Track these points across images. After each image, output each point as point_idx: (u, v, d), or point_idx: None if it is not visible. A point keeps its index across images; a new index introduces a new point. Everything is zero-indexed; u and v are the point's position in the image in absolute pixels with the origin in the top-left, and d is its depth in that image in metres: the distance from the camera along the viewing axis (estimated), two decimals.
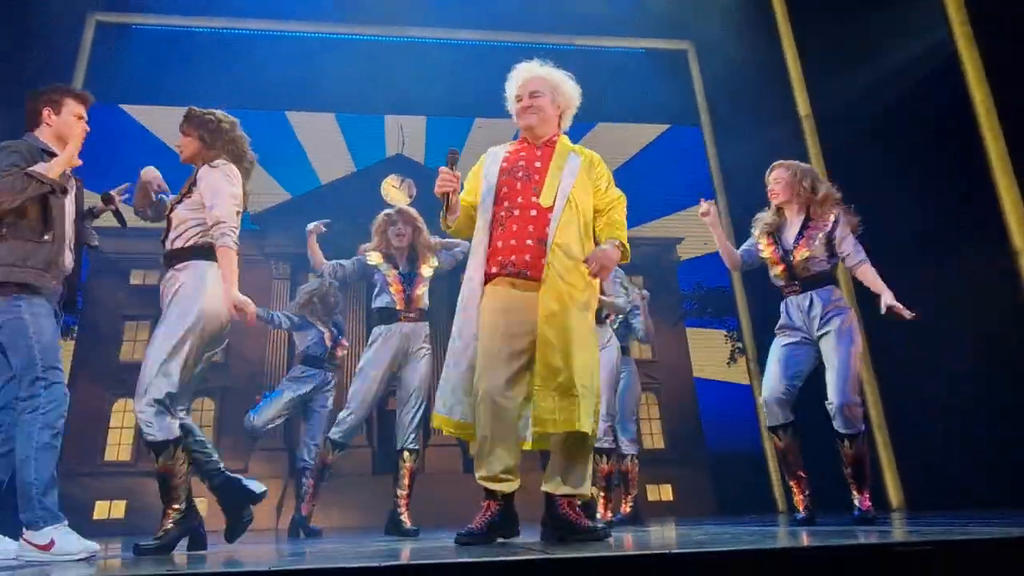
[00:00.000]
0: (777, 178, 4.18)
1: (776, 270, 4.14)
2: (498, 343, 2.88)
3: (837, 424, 3.85)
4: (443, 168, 3.00)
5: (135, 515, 7.76)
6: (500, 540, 2.85)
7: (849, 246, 4.02)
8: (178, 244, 3.35)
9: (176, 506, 3.21)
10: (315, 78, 8.84)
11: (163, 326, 3.20)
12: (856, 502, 3.86)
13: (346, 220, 9.16)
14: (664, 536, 3.33)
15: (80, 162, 3.26)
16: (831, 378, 3.84)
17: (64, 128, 3.35)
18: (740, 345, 9.05)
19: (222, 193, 3.29)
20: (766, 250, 4.15)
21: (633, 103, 9.53)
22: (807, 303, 3.99)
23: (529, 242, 2.96)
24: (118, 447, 8.41)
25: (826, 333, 3.91)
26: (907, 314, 3.75)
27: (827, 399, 3.87)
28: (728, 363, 9.16)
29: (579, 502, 2.89)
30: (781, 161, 4.26)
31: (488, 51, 9.48)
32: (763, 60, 8.18)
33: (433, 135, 9.82)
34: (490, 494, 2.87)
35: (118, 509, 7.87)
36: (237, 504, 3.46)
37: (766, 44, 8.15)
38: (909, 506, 6.41)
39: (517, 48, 9.58)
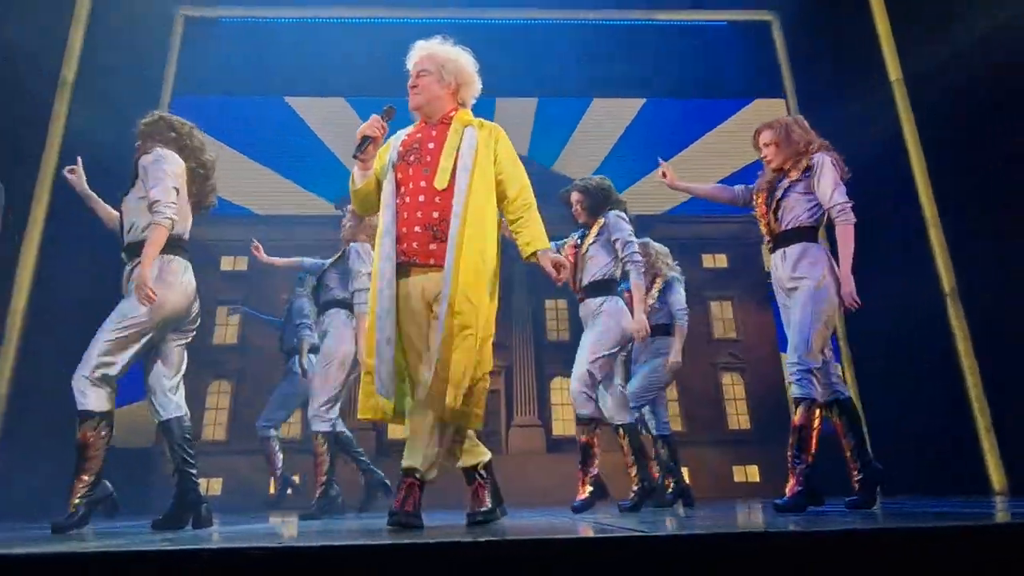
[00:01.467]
0: (767, 141, 3.88)
1: (761, 226, 3.92)
2: (403, 327, 2.91)
3: (793, 389, 3.59)
4: (375, 115, 3.01)
5: (231, 493, 8.10)
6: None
7: (826, 189, 3.62)
8: (130, 238, 3.52)
9: (85, 477, 3.30)
10: (397, 62, 8.91)
11: (116, 311, 3.37)
12: (789, 488, 3.49)
13: None
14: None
15: None
16: (789, 338, 3.59)
17: None
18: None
19: (156, 175, 3.45)
20: (758, 208, 3.91)
21: (715, 77, 9.29)
22: (780, 260, 3.73)
23: (418, 229, 2.91)
24: (213, 427, 8.76)
25: (795, 291, 3.63)
26: (849, 305, 3.50)
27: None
28: None
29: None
30: (765, 123, 3.95)
31: (566, 29, 9.39)
32: (849, 25, 7.87)
33: (501, 118, 9.81)
34: (408, 471, 2.88)
35: (215, 487, 8.20)
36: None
37: (852, 7, 7.84)
38: (1013, 491, 6.14)
39: (595, 25, 9.45)
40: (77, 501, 3.28)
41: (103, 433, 3.33)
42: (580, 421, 4.49)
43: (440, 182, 2.91)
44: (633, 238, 4.63)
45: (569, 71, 9.16)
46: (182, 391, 3.65)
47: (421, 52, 3.13)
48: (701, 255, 9.88)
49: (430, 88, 3.07)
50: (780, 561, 1.77)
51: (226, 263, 9.36)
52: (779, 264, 3.72)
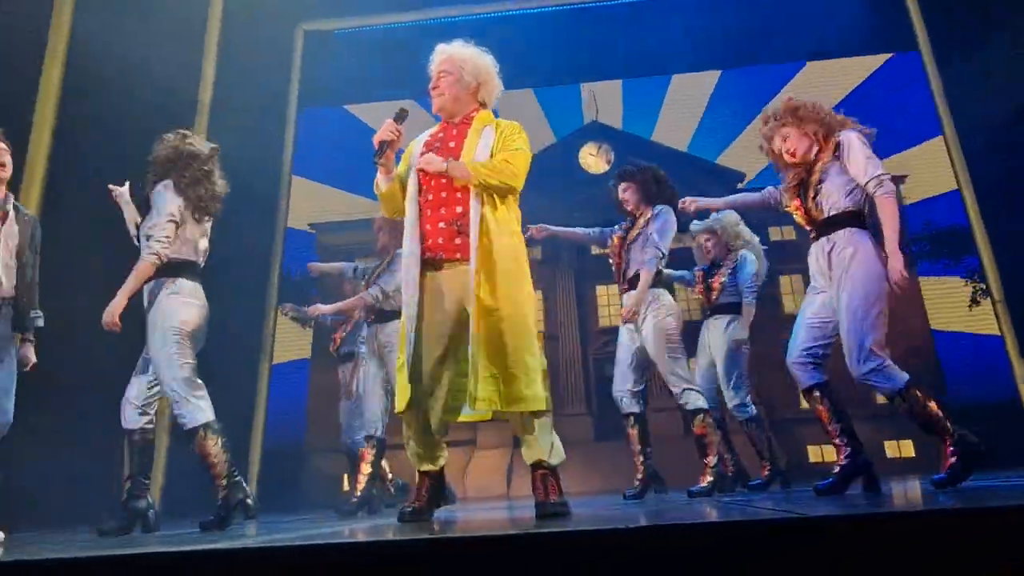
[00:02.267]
0: (785, 136, 3.56)
1: (800, 219, 3.62)
2: (425, 327, 2.93)
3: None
4: (389, 119, 3.03)
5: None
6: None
7: (859, 166, 3.32)
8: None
9: (222, 482, 3.55)
10: (510, 55, 8.97)
11: (168, 336, 3.59)
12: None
13: (547, 195, 9.34)
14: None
15: None
16: (840, 328, 3.34)
17: None
18: (983, 286, 8.22)
19: (155, 214, 3.70)
20: (792, 201, 3.63)
21: (843, 35, 8.84)
22: (826, 248, 3.42)
23: (442, 225, 2.95)
24: None
25: (838, 283, 3.34)
26: (897, 282, 3.17)
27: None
28: (970, 306, 8.35)
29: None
30: (776, 120, 3.60)
31: (679, 3, 9.18)
32: None
33: (629, 98, 9.68)
34: (423, 472, 2.99)
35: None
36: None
37: None
38: None
39: None
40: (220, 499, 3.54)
41: (218, 440, 3.57)
42: (692, 413, 4.52)
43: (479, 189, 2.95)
44: (666, 238, 4.56)
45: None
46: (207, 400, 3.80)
47: (441, 55, 3.17)
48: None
49: (451, 89, 3.12)
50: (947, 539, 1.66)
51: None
52: (820, 253, 3.46)
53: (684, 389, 4.53)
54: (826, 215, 3.42)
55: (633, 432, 4.69)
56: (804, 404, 3.39)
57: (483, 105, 3.19)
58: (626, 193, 4.74)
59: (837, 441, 3.43)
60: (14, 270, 3.72)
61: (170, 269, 3.67)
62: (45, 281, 3.99)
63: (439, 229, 2.96)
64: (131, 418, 3.72)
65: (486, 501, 6.23)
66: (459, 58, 3.13)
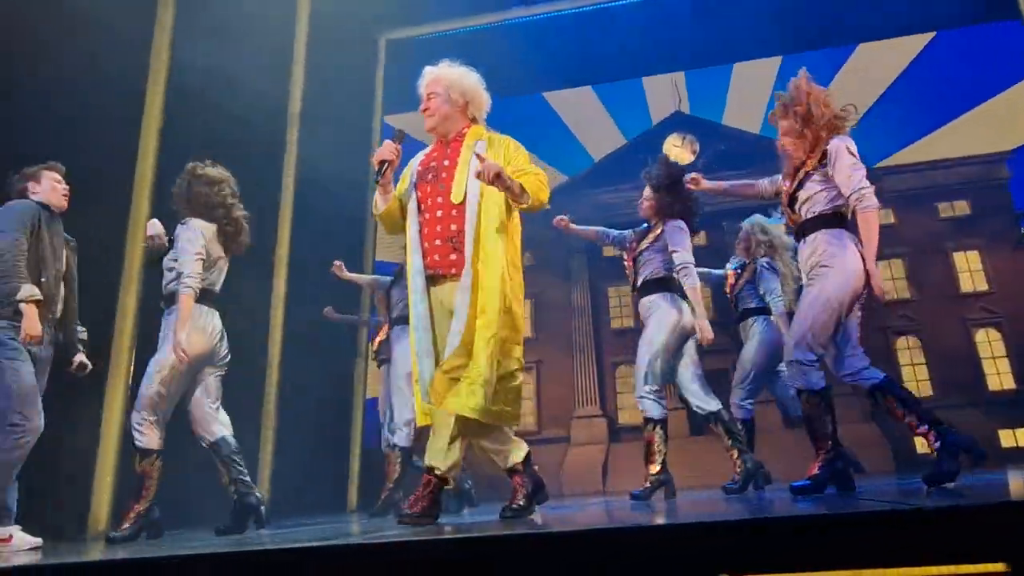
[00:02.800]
0: (786, 130, 3.50)
1: (789, 219, 3.61)
2: (429, 335, 3.05)
3: (795, 381, 3.41)
4: (387, 140, 3.16)
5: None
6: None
7: (843, 177, 3.30)
8: (168, 288, 4.05)
9: (141, 505, 3.90)
10: (574, 53, 8.97)
11: (154, 362, 3.94)
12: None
13: (624, 193, 9.29)
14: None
15: None
16: (792, 330, 3.41)
17: (48, 194, 3.94)
18: None
19: (183, 247, 3.99)
20: (783, 199, 3.63)
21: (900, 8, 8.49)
22: (804, 246, 3.44)
23: (438, 242, 3.07)
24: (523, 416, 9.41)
25: (813, 281, 3.37)
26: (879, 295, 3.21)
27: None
28: None
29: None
30: (781, 107, 3.52)
31: None
32: None
33: (694, 88, 9.54)
34: (429, 470, 3.00)
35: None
36: None
37: None
38: None
39: None
40: (128, 524, 3.83)
41: (159, 465, 3.92)
42: (646, 420, 4.57)
43: (456, 196, 3.07)
44: (687, 251, 4.57)
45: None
46: (223, 413, 4.14)
47: (428, 76, 3.27)
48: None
49: (440, 109, 3.21)
50: None
51: None
52: (800, 253, 3.49)
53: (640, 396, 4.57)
54: (804, 218, 3.45)
55: (718, 430, 4.67)
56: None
57: (473, 120, 3.30)
58: (645, 201, 4.83)
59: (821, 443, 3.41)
60: (62, 296, 3.95)
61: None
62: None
63: (435, 246, 3.07)
64: (217, 432, 4.06)
65: (582, 497, 6.22)
66: (446, 79, 3.25)
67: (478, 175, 2.93)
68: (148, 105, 6.06)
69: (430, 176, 3.17)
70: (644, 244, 4.74)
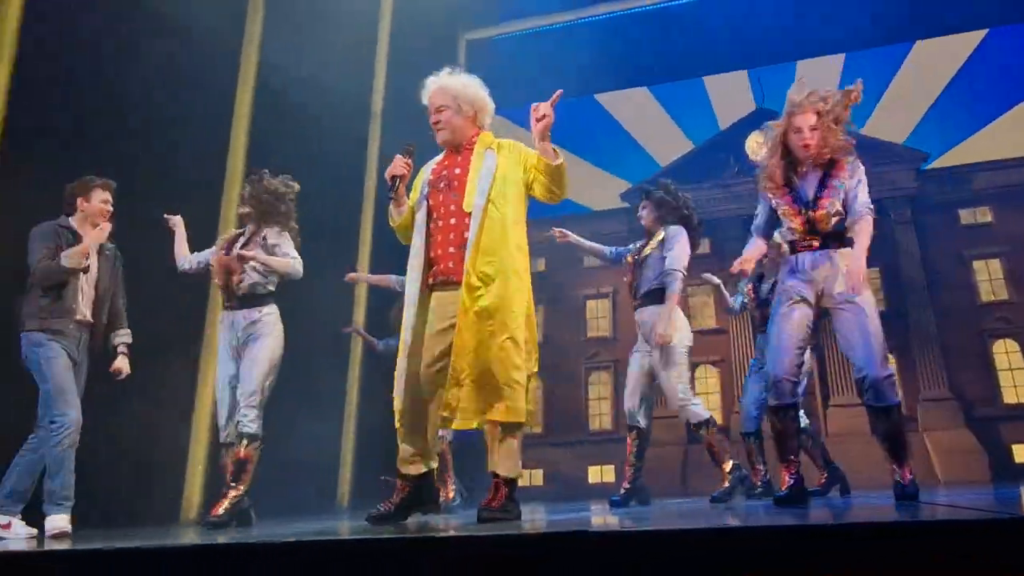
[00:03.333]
0: (812, 125, 3.41)
1: (794, 222, 3.46)
2: (422, 341, 3.08)
3: (869, 397, 3.34)
4: (398, 155, 3.20)
5: (552, 482, 8.53)
6: (420, 514, 3.15)
7: (863, 195, 3.40)
8: (243, 290, 4.24)
9: (241, 487, 4.06)
10: (676, 45, 8.88)
11: (264, 357, 4.15)
12: (897, 476, 3.30)
13: (720, 186, 9.16)
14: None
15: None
16: (857, 350, 3.33)
17: (93, 213, 4.08)
18: None
19: (283, 251, 4.30)
20: (781, 198, 3.50)
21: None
22: (825, 262, 3.39)
23: (452, 249, 3.09)
24: (599, 417, 9.37)
25: (841, 301, 3.35)
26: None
27: (856, 370, 3.37)
28: None
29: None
30: (794, 106, 3.47)
31: None
32: None
33: (759, 87, 9.36)
34: (401, 476, 3.08)
35: (536, 478, 8.68)
36: None
37: None
38: None
39: None
40: (224, 510, 3.94)
41: (259, 451, 4.12)
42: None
43: (468, 205, 3.10)
44: (682, 259, 4.64)
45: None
46: None
47: (434, 88, 3.26)
48: (959, 211, 8.82)
49: (451, 122, 3.22)
50: None
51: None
52: (817, 263, 3.40)
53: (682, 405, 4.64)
54: (831, 228, 3.40)
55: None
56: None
57: (481, 128, 3.31)
58: (643, 211, 4.92)
59: (793, 457, 3.45)
60: (92, 299, 4.07)
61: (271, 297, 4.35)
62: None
63: (449, 253, 3.11)
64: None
65: (662, 499, 6.15)
66: (453, 90, 3.25)
67: (536, 114, 3.01)
68: (237, 104, 6.27)
69: (443, 185, 3.21)
70: (647, 251, 4.78)
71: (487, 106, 3.33)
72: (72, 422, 3.80)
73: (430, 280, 3.14)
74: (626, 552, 1.75)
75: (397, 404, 3.08)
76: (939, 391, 8.27)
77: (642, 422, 4.76)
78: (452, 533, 2.14)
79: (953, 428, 8.00)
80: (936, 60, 8.92)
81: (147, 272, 4.59)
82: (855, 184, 3.41)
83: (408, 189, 3.33)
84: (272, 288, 4.31)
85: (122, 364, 4.13)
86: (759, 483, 4.89)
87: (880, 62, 9.04)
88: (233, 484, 4.02)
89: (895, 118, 8.80)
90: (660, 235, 4.75)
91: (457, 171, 3.21)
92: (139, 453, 5.08)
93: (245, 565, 2.00)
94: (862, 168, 3.46)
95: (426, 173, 3.31)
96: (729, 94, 9.53)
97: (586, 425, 9.42)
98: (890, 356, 7.87)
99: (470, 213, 3.08)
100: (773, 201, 3.54)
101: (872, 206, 3.39)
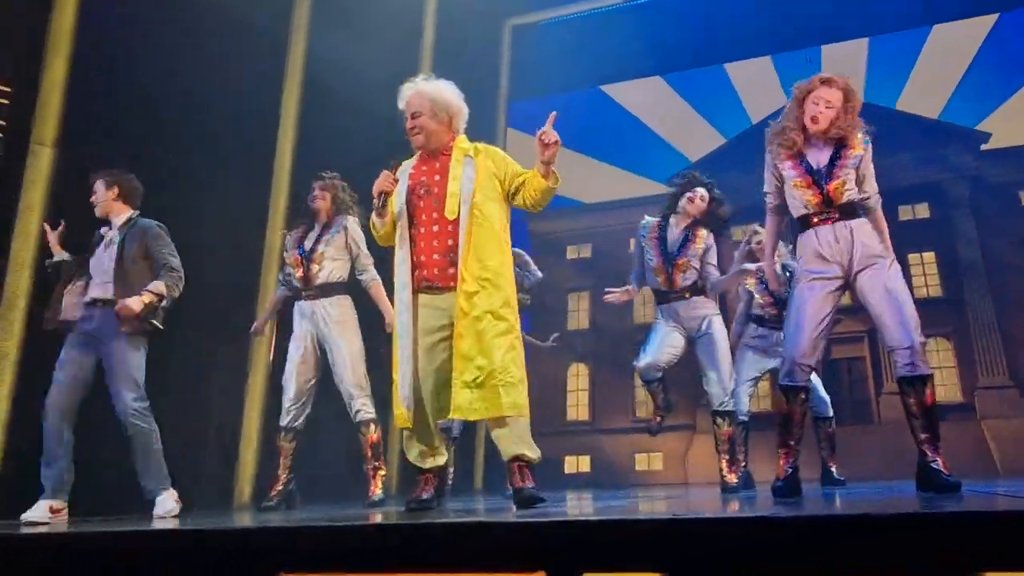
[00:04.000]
0: (830, 102, 3.38)
1: (807, 195, 3.40)
2: (418, 344, 3.17)
3: (905, 370, 3.24)
4: (384, 171, 3.27)
5: (599, 470, 8.51)
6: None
7: (871, 187, 3.43)
8: (322, 279, 4.58)
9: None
10: (738, 24, 8.74)
11: (358, 347, 4.56)
12: (936, 464, 3.16)
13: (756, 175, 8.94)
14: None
15: None
16: (890, 321, 3.24)
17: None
18: None
19: (361, 243, 4.64)
20: (790, 171, 3.44)
21: None
22: (846, 233, 3.34)
23: (436, 256, 3.17)
24: (576, 408, 9.30)
25: (866, 274, 3.31)
26: None
27: (888, 344, 3.32)
28: None
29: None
30: (826, 77, 3.44)
31: None
32: None
33: (875, 59, 9.04)
34: (423, 471, 3.27)
35: (584, 464, 8.67)
36: None
37: None
38: None
39: None
40: (276, 495, 4.50)
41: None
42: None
43: (451, 212, 3.16)
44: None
45: None
46: None
47: (410, 94, 3.31)
48: (1019, 193, 8.52)
49: (427, 127, 3.26)
50: None
51: (571, 252, 9.84)
52: (840, 235, 3.34)
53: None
54: (845, 199, 3.36)
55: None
56: None
57: (456, 132, 3.35)
58: (700, 202, 4.79)
59: (793, 444, 3.43)
60: (112, 274, 4.06)
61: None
62: None
63: (434, 260, 3.18)
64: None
65: (707, 487, 6.11)
66: (429, 95, 3.29)
67: (546, 140, 3.07)
68: (286, 97, 6.35)
69: (422, 191, 3.27)
70: (695, 248, 4.72)
71: (462, 112, 3.38)
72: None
73: (415, 285, 3.22)
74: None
75: (403, 408, 3.18)
76: (998, 378, 8.03)
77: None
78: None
79: (1013, 416, 7.78)
80: (950, 47, 8.64)
81: (197, 260, 4.68)
82: (867, 163, 3.41)
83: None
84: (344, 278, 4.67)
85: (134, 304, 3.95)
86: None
87: (905, 43, 8.77)
88: (376, 465, 4.52)
89: (926, 96, 8.57)
90: (702, 234, 4.75)
91: (437, 177, 3.28)
92: (192, 436, 5.22)
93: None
94: (870, 148, 3.44)
95: (403, 178, 3.36)
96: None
97: (633, 412, 9.38)
98: (947, 342, 7.68)
99: (452, 220, 3.16)
100: (783, 171, 3.48)
101: (877, 196, 3.45)
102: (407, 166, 3.42)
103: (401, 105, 3.34)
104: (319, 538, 2.15)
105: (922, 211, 8.83)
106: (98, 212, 4.21)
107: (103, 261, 4.11)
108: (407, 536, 2.09)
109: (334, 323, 4.54)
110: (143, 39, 5.23)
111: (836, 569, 1.65)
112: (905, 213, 8.79)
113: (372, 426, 4.51)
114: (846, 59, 8.63)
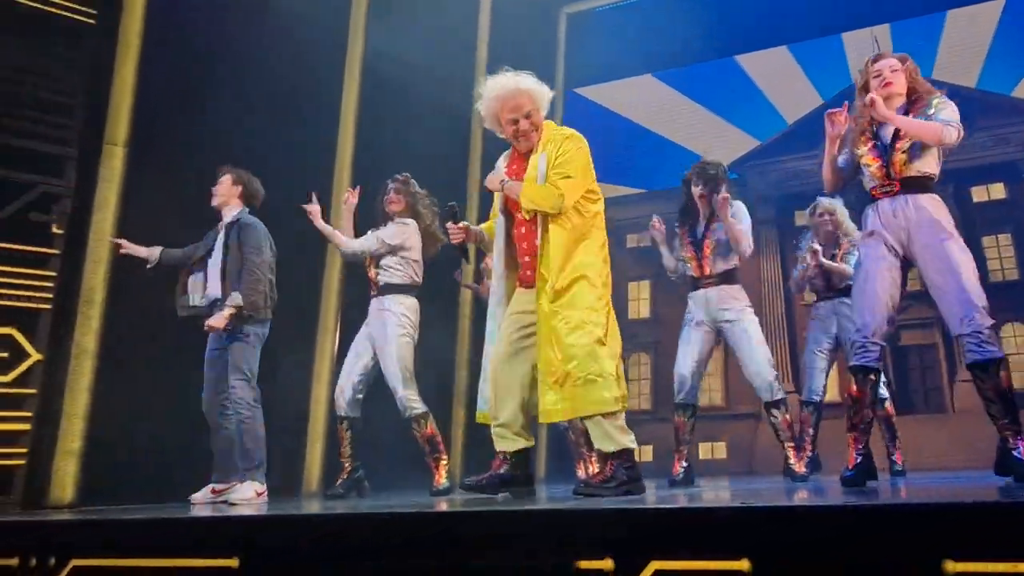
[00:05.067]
0: (892, 65, 3.38)
1: (872, 167, 3.36)
2: (507, 329, 3.21)
3: (969, 352, 3.11)
4: (449, 224, 3.32)
5: (661, 459, 8.42)
6: (511, 494, 3.17)
7: (951, 129, 3.21)
8: (385, 279, 4.66)
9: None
10: (763, 12, 8.56)
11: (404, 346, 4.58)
12: (1017, 452, 2.98)
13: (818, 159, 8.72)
14: None
15: None
16: (952, 300, 3.11)
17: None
18: None
19: (389, 234, 4.69)
20: (863, 147, 3.39)
21: None
22: (906, 206, 3.24)
23: (527, 258, 3.21)
24: (638, 397, 9.27)
25: (926, 251, 3.18)
26: None
27: (953, 324, 3.14)
28: None
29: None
30: (875, 55, 3.48)
31: None
32: None
33: (900, 42, 8.80)
34: (498, 452, 3.20)
35: (646, 453, 8.62)
36: None
37: None
38: None
39: None
40: (341, 483, 4.60)
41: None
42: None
43: (526, 212, 3.18)
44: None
45: None
46: None
47: (518, 90, 3.20)
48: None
49: (538, 124, 3.24)
50: None
51: (631, 240, 9.76)
52: (897, 209, 3.25)
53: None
54: (910, 174, 3.27)
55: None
56: None
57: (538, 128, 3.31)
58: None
59: (863, 427, 3.32)
60: (219, 273, 4.29)
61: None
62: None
63: (526, 262, 3.23)
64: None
65: (774, 477, 6.02)
66: (533, 92, 3.22)
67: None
68: (346, 92, 6.41)
69: None
70: (718, 233, 4.66)
71: (546, 111, 3.34)
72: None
73: (511, 284, 3.31)
74: None
75: (490, 384, 3.23)
76: None
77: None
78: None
79: None
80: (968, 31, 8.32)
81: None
82: (938, 113, 3.26)
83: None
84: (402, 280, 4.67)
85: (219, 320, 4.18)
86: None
87: (927, 27, 8.46)
88: (436, 456, 4.55)
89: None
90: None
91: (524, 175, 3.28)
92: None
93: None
94: (951, 105, 3.29)
95: (500, 170, 3.37)
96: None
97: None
98: None
99: (530, 219, 3.18)
100: (857, 152, 3.44)
101: (956, 124, 3.20)
102: (501, 163, 3.43)
103: (502, 108, 3.22)
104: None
105: (997, 191, 8.51)
106: (214, 202, 4.46)
107: (215, 259, 4.36)
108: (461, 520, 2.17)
109: (386, 322, 4.58)
110: (216, 23, 5.36)
111: (916, 556, 1.62)
112: (979, 194, 8.49)
113: (422, 421, 4.52)
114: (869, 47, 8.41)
